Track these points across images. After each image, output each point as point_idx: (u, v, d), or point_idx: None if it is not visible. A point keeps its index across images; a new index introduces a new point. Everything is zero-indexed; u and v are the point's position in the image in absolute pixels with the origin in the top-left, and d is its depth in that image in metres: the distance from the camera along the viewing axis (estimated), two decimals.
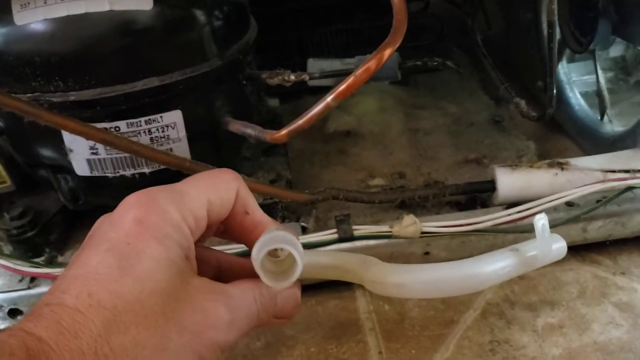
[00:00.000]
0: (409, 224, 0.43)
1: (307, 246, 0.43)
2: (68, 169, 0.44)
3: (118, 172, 0.44)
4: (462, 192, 0.50)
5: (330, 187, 0.49)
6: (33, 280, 0.44)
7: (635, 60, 0.66)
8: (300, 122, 0.42)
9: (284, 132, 0.43)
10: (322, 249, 0.44)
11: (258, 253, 0.28)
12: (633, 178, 0.44)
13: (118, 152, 0.42)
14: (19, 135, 0.44)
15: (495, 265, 0.35)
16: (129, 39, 0.41)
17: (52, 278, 0.44)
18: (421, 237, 0.44)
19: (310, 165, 0.62)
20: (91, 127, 0.40)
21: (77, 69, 0.40)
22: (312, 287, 0.45)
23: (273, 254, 0.31)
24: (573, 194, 0.43)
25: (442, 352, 0.41)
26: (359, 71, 0.40)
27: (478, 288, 0.42)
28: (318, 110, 0.41)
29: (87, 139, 0.40)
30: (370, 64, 0.40)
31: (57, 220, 0.50)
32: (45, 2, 0.39)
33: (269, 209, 0.49)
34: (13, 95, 0.38)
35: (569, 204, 0.46)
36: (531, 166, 0.47)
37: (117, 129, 0.42)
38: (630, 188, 0.44)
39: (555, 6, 0.44)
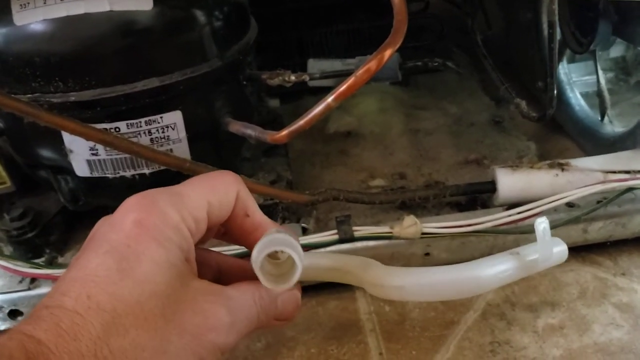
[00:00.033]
0: (410, 225, 0.43)
1: (308, 247, 0.43)
2: (68, 170, 0.44)
3: (118, 172, 0.44)
4: (463, 192, 0.50)
5: (331, 188, 0.49)
6: (33, 281, 0.44)
7: (635, 61, 0.66)
8: (300, 122, 0.42)
9: (284, 132, 0.43)
10: (322, 250, 0.44)
11: (258, 255, 0.28)
12: (633, 179, 0.44)
13: (118, 152, 0.42)
14: (19, 136, 0.44)
15: (496, 269, 0.35)
16: (129, 39, 0.40)
17: (52, 279, 0.44)
18: (422, 237, 0.44)
19: (310, 166, 0.62)
20: (91, 127, 0.40)
21: (77, 70, 0.40)
22: (312, 288, 0.45)
23: (273, 256, 0.30)
24: (573, 195, 0.43)
25: (443, 353, 0.41)
26: (360, 72, 0.40)
27: (478, 292, 0.42)
28: (319, 111, 0.41)
29: (87, 139, 0.40)
30: (371, 64, 0.40)
31: (57, 221, 0.50)
32: (44, 3, 0.39)
33: (269, 209, 0.49)
34: (13, 95, 0.38)
35: (570, 205, 0.46)
36: (532, 167, 0.47)
37: (117, 129, 0.42)
38: (630, 189, 0.44)
39: (555, 6, 0.44)
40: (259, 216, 0.32)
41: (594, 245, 0.48)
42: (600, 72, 0.57)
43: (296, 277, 0.29)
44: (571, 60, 0.64)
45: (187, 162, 0.43)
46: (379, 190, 0.57)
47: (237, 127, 0.46)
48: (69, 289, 0.25)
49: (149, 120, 0.42)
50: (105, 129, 0.41)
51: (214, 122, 0.47)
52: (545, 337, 0.42)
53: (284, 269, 0.30)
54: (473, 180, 0.53)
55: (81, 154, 0.43)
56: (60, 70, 0.40)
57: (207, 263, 0.33)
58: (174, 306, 0.26)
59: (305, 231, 0.49)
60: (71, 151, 0.43)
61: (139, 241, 0.26)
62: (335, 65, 0.63)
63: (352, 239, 0.44)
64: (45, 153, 0.44)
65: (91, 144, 0.42)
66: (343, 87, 0.40)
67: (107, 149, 0.42)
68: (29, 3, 0.39)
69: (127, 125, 0.42)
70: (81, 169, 0.44)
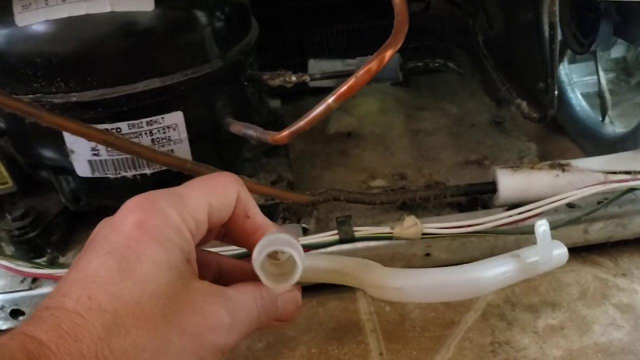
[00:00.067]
0: (410, 225, 0.43)
1: (308, 247, 0.43)
2: (69, 170, 0.44)
3: (119, 173, 0.44)
4: (463, 193, 0.50)
5: (331, 188, 0.49)
6: (35, 281, 0.44)
7: (636, 61, 0.66)
8: (301, 123, 0.42)
9: (285, 133, 0.43)
10: (322, 250, 0.44)
11: (258, 255, 0.28)
12: (634, 179, 0.44)
13: (119, 153, 0.42)
14: (20, 137, 0.44)
15: (496, 271, 0.35)
16: (130, 40, 0.41)
17: (54, 279, 0.44)
18: (422, 238, 0.44)
19: (311, 166, 0.62)
20: (92, 128, 0.40)
21: (78, 70, 0.40)
22: (312, 288, 0.45)
23: (273, 256, 0.31)
24: (574, 196, 0.43)
25: (443, 353, 0.41)
26: (360, 72, 0.40)
27: (478, 293, 0.42)
28: (319, 112, 0.41)
29: (89, 140, 0.40)
30: (372, 65, 0.40)
31: (58, 221, 0.50)
32: (46, 3, 0.39)
33: (270, 210, 0.49)
34: (14, 96, 0.38)
35: (570, 206, 0.46)
36: (532, 167, 0.47)
37: (119, 130, 0.42)
38: (631, 189, 0.44)
39: (556, 7, 0.44)
40: (259, 217, 0.32)
41: (595, 246, 0.48)
42: (601, 73, 0.57)
43: (297, 276, 0.29)
44: (572, 61, 0.64)
45: (188, 162, 0.43)
46: (380, 190, 0.57)
47: (238, 127, 0.47)
48: (70, 290, 0.25)
49: (150, 120, 0.42)
50: (107, 129, 0.41)
51: (215, 123, 0.47)
52: (546, 338, 0.42)
53: (285, 269, 0.30)
54: (474, 180, 0.53)
55: (82, 154, 0.43)
56: (61, 71, 0.40)
57: (208, 264, 0.33)
58: (175, 307, 0.26)
59: (305, 231, 0.49)
60: (72, 151, 0.43)
61: (140, 242, 0.26)
62: (336, 65, 0.63)
63: (353, 240, 0.44)
64: (47, 153, 0.44)
65: (92, 144, 0.42)
66: (344, 88, 0.40)
67: (109, 149, 0.42)
68: (30, 4, 0.39)
69: (129, 126, 0.42)
70: (82, 170, 0.44)
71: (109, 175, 0.44)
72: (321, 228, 0.51)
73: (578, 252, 0.48)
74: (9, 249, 0.48)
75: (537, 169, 0.47)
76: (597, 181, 0.45)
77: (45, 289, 0.44)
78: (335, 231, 0.44)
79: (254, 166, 0.55)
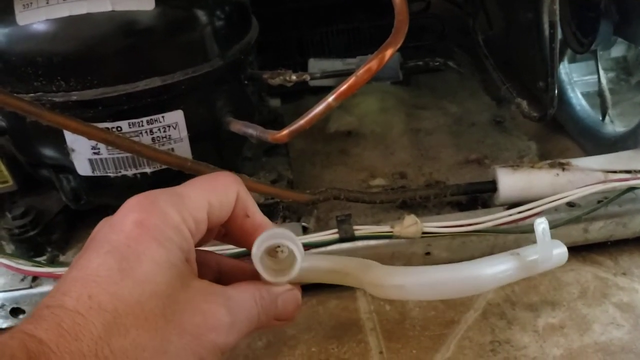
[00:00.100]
0: (410, 224, 0.43)
1: (308, 246, 0.43)
2: (70, 169, 0.45)
3: (120, 172, 0.44)
4: (464, 192, 0.51)
5: (332, 187, 0.49)
6: (35, 279, 0.44)
7: (636, 61, 0.66)
8: (301, 122, 0.42)
9: (285, 132, 0.43)
10: (322, 249, 0.44)
11: (257, 249, 0.28)
12: (634, 179, 0.44)
13: (120, 152, 0.42)
14: (21, 135, 0.44)
15: (496, 269, 0.35)
16: (131, 39, 0.41)
17: (54, 277, 0.44)
18: (422, 237, 0.44)
19: (311, 165, 0.62)
20: (93, 127, 0.40)
21: (79, 69, 0.40)
22: (312, 287, 0.45)
23: (273, 254, 0.31)
24: (574, 195, 0.43)
25: (443, 352, 0.41)
26: (361, 71, 0.40)
27: (478, 291, 0.42)
28: (319, 111, 0.41)
29: (89, 138, 0.40)
30: (372, 64, 0.40)
31: (59, 220, 0.50)
32: (47, 3, 0.39)
33: (270, 209, 0.49)
34: (15, 95, 0.38)
35: (570, 205, 0.46)
36: (532, 166, 0.47)
37: (119, 129, 0.42)
38: (631, 188, 0.44)
39: (557, 6, 0.44)
40: (259, 217, 0.32)
41: (595, 245, 0.48)
42: (601, 72, 0.57)
43: (296, 269, 0.29)
44: (572, 60, 0.63)
45: (189, 161, 0.43)
46: (380, 189, 0.57)
47: (239, 126, 0.47)
48: (70, 289, 0.25)
49: (151, 119, 0.42)
50: (107, 128, 0.41)
51: (216, 122, 0.47)
52: (546, 337, 0.42)
53: (284, 265, 0.30)
54: (474, 179, 0.53)
55: (83, 153, 0.43)
56: (62, 70, 0.40)
57: (208, 264, 0.33)
58: (174, 306, 0.26)
59: (305, 230, 0.49)
60: (73, 150, 0.43)
61: (140, 241, 0.26)
62: (336, 64, 0.63)
63: (353, 238, 0.44)
64: (47, 152, 0.44)
65: (93, 143, 0.42)
66: (344, 87, 0.40)
67: (109, 148, 0.42)
68: (31, 3, 0.39)
69: (129, 125, 0.42)
70: (83, 168, 0.44)
71: (109, 174, 0.44)
72: (321, 227, 0.51)
73: (578, 251, 0.48)
74: (9, 248, 0.48)
75: (537, 168, 0.47)
76: (597, 180, 0.45)
77: (45, 288, 0.44)
78: (335, 230, 0.44)
79: (254, 165, 0.55)
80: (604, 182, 0.45)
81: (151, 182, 0.45)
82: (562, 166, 0.47)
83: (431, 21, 0.82)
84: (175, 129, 0.44)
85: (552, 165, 0.47)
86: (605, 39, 0.53)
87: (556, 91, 0.48)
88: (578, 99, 0.62)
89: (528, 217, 0.44)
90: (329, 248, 0.44)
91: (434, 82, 0.77)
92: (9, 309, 0.44)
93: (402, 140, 0.65)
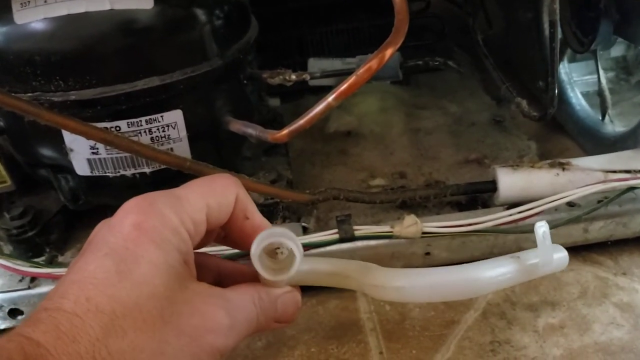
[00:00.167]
0: (410, 224, 0.43)
1: (308, 246, 0.43)
2: (68, 169, 0.44)
3: (118, 171, 0.44)
4: (463, 192, 0.50)
5: (331, 187, 0.49)
6: (33, 280, 0.44)
7: (636, 60, 0.66)
8: (301, 121, 0.42)
9: (284, 132, 0.43)
10: (322, 249, 0.44)
11: (256, 248, 0.28)
12: (634, 178, 0.44)
13: (119, 151, 0.42)
14: (19, 135, 0.44)
15: (496, 272, 0.35)
16: (130, 38, 0.40)
17: (53, 278, 0.44)
18: (422, 237, 0.44)
19: (311, 165, 0.62)
20: (92, 126, 0.40)
21: (77, 68, 0.40)
22: (312, 288, 0.44)
23: (272, 255, 0.31)
24: (574, 194, 0.43)
25: (443, 353, 0.41)
26: (361, 71, 0.40)
27: (478, 294, 0.42)
28: (319, 110, 0.41)
29: (88, 138, 0.40)
30: (372, 63, 0.40)
31: (57, 220, 0.50)
32: (45, 1, 0.39)
33: (269, 209, 0.49)
34: (13, 94, 0.38)
35: (570, 204, 0.46)
36: (532, 166, 0.47)
37: (118, 128, 0.42)
38: (631, 188, 0.44)
39: (557, 6, 0.44)
40: (258, 218, 0.32)
41: (595, 245, 0.48)
42: (601, 72, 0.57)
43: (295, 267, 0.29)
44: (572, 60, 0.63)
45: (188, 161, 0.43)
46: (380, 189, 0.57)
47: (238, 126, 0.46)
48: (68, 291, 0.25)
49: (150, 119, 0.42)
50: (106, 127, 0.41)
51: (215, 121, 0.47)
52: (546, 337, 0.42)
53: (283, 265, 0.30)
54: (474, 179, 0.53)
55: (81, 152, 0.43)
56: (60, 69, 0.40)
57: (207, 266, 0.33)
58: (172, 308, 0.26)
59: (305, 230, 0.49)
60: (71, 150, 0.43)
61: (138, 243, 0.26)
62: (336, 64, 0.63)
63: (353, 239, 0.44)
64: (46, 152, 0.44)
65: (92, 142, 0.42)
66: (344, 86, 0.40)
67: (108, 147, 0.42)
68: (29, 1, 0.39)
69: (128, 124, 0.42)
70: (81, 168, 0.44)
71: (108, 174, 0.44)
72: (321, 227, 0.51)
73: (578, 251, 0.48)
74: (7, 248, 0.48)
75: (537, 168, 0.47)
76: (597, 180, 0.45)
77: (43, 288, 0.44)
78: (335, 230, 0.44)
79: (253, 165, 0.55)
80: (604, 181, 0.45)
81: (150, 182, 0.45)
82: (562, 166, 0.47)
83: (431, 21, 0.82)
84: (174, 128, 0.43)
85: (552, 165, 0.47)
86: (605, 39, 0.53)
87: (556, 91, 0.48)
88: (578, 99, 0.62)
89: (528, 217, 0.44)
90: (329, 248, 0.44)
91: (433, 82, 0.77)
92: (7, 310, 0.44)
93: (402, 140, 0.65)
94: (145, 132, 0.43)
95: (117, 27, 0.40)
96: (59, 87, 0.40)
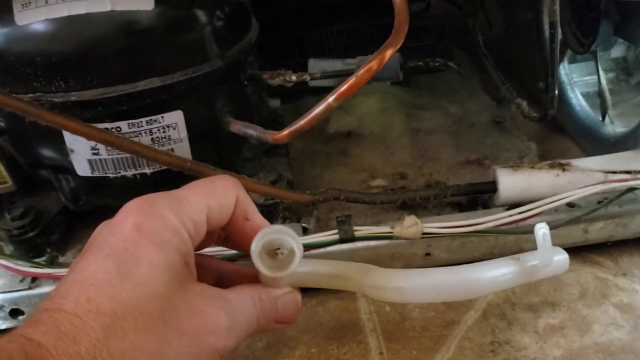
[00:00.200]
0: (410, 225, 0.43)
1: (309, 247, 0.43)
2: (69, 170, 0.44)
3: (119, 172, 0.44)
4: (464, 193, 0.50)
5: (332, 188, 0.49)
6: (34, 280, 0.44)
7: (636, 61, 0.66)
8: (301, 122, 0.42)
9: (285, 132, 0.43)
10: (322, 250, 0.44)
11: (256, 245, 0.28)
12: (634, 179, 0.44)
13: (119, 152, 0.42)
14: (20, 136, 0.44)
15: (496, 272, 0.35)
16: (131, 39, 0.40)
17: (53, 278, 0.44)
18: (422, 238, 0.44)
19: (311, 165, 0.62)
20: (92, 127, 0.40)
21: (78, 69, 0.40)
22: (312, 288, 0.45)
23: (272, 255, 0.31)
24: (574, 195, 0.43)
25: (443, 353, 0.41)
26: (361, 71, 0.40)
27: (478, 294, 0.42)
28: (319, 111, 0.41)
29: (89, 139, 0.40)
30: (372, 64, 0.40)
31: (58, 221, 0.50)
32: (46, 2, 0.39)
33: (270, 209, 0.49)
34: (14, 95, 0.38)
35: (570, 205, 0.46)
36: (532, 167, 0.47)
37: (119, 129, 0.42)
38: (631, 189, 0.44)
39: (557, 7, 0.44)
40: (258, 219, 0.32)
41: (595, 246, 0.48)
42: (601, 73, 0.57)
43: (295, 263, 0.29)
44: (572, 61, 0.64)
45: (188, 161, 0.43)
46: (380, 190, 0.57)
47: (238, 126, 0.47)
48: (69, 292, 0.25)
49: (150, 120, 0.42)
50: (107, 128, 0.41)
51: (215, 122, 0.47)
52: (546, 337, 0.42)
53: (283, 265, 0.30)
54: (474, 180, 0.53)
55: (82, 153, 0.43)
56: (61, 70, 0.40)
57: (208, 268, 0.33)
58: (173, 309, 0.26)
59: (305, 231, 0.49)
60: (72, 151, 0.43)
61: (138, 245, 0.26)
62: (336, 65, 0.63)
63: (353, 239, 0.44)
64: (47, 152, 0.44)
65: (92, 143, 0.42)
66: (344, 87, 0.40)
67: (108, 148, 0.42)
68: (30, 3, 0.39)
69: (129, 125, 0.42)
70: (82, 169, 0.44)
71: (108, 175, 0.44)
72: (321, 227, 0.51)
73: (578, 251, 0.48)
74: (8, 249, 0.48)
75: (538, 169, 0.47)
76: (597, 181, 0.45)
77: (44, 289, 0.44)
78: (336, 231, 0.44)
79: (253, 165, 0.55)
80: (604, 182, 0.45)
81: (151, 182, 0.45)
82: (562, 167, 0.47)
83: (431, 21, 0.82)
84: (174, 129, 0.44)
85: (552, 166, 0.47)
86: (605, 40, 0.53)
87: (556, 91, 0.48)
88: (578, 100, 0.62)
89: (528, 217, 0.44)
90: (329, 249, 0.44)
91: (434, 83, 0.77)
92: (8, 310, 0.44)
93: (402, 140, 0.65)
94: (145, 132, 0.43)
95: (118, 28, 0.40)
96: (60, 88, 0.40)
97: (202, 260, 0.32)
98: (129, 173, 0.44)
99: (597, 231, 0.47)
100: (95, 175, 0.44)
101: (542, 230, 0.34)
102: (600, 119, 0.58)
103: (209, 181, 0.32)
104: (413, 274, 0.35)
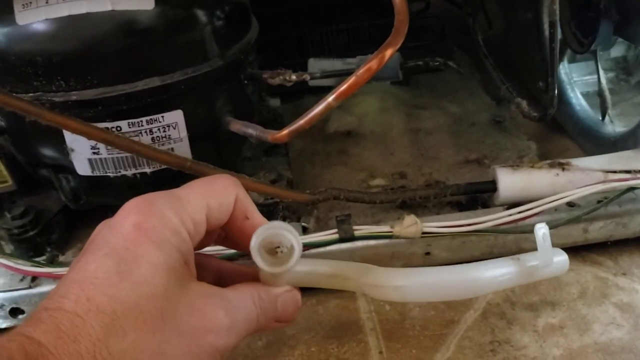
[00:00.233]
0: (410, 224, 0.43)
1: (308, 246, 0.43)
2: (69, 169, 0.44)
3: (119, 171, 0.44)
4: (463, 192, 0.50)
5: (331, 187, 0.49)
6: (34, 279, 0.44)
7: (636, 61, 0.66)
8: (301, 122, 0.42)
9: (285, 132, 0.43)
10: (322, 249, 0.44)
11: (256, 240, 0.28)
12: (634, 179, 0.44)
13: (119, 151, 0.42)
14: (20, 135, 0.44)
15: (495, 272, 0.35)
16: (131, 38, 0.40)
17: (53, 277, 0.44)
18: (422, 237, 0.44)
19: (311, 165, 0.62)
20: (93, 126, 0.40)
21: (78, 69, 0.40)
22: (312, 287, 0.45)
23: (272, 253, 0.31)
24: (574, 195, 0.43)
25: (443, 352, 0.41)
26: (361, 71, 0.40)
27: (477, 293, 0.42)
28: (319, 110, 0.41)
29: (89, 138, 0.40)
30: (372, 63, 0.40)
31: (58, 220, 0.50)
32: (47, 2, 0.39)
33: (270, 209, 0.49)
34: (15, 94, 0.38)
35: (570, 205, 0.46)
36: (532, 166, 0.47)
37: (119, 128, 0.42)
38: (631, 188, 0.44)
39: (557, 6, 0.44)
40: (258, 218, 0.32)
41: (595, 245, 0.48)
42: (601, 72, 0.57)
43: (294, 258, 0.29)
44: (572, 60, 0.64)
45: (188, 161, 0.43)
46: (380, 189, 0.57)
47: (238, 126, 0.47)
48: (69, 291, 0.25)
49: (150, 119, 0.42)
50: (107, 128, 0.41)
51: (215, 122, 0.47)
52: (546, 337, 0.42)
53: (282, 262, 0.30)
54: (474, 179, 0.53)
55: (82, 152, 0.43)
56: (62, 70, 0.40)
57: (207, 267, 0.33)
58: (173, 308, 0.26)
59: (305, 230, 0.49)
60: (72, 150, 0.43)
61: (138, 244, 0.26)
62: (336, 64, 0.63)
63: (353, 238, 0.44)
64: (47, 152, 0.44)
65: (92, 142, 0.42)
66: (344, 87, 0.40)
67: (109, 148, 0.42)
68: (31, 2, 0.39)
69: (129, 125, 0.42)
70: (82, 168, 0.44)
71: (109, 174, 0.44)
72: (321, 227, 0.51)
73: (578, 251, 0.48)
74: (8, 248, 0.48)
75: (537, 168, 0.47)
76: (597, 180, 0.45)
77: (44, 288, 0.44)
78: (335, 230, 0.44)
79: (253, 165, 0.55)
80: (604, 182, 0.45)
81: (151, 182, 0.45)
82: (562, 166, 0.47)
83: (431, 21, 0.82)
84: (174, 128, 0.44)
85: (551, 165, 0.47)
86: (605, 39, 0.53)
87: (556, 91, 0.48)
88: (578, 99, 0.62)
89: (528, 217, 0.44)
90: (329, 248, 0.44)
91: (433, 82, 0.77)
92: (8, 309, 0.44)
93: (402, 140, 0.65)
94: (146, 132, 0.43)
95: (118, 27, 0.40)
96: (60, 88, 0.40)
97: (202, 260, 0.32)
98: (129, 172, 0.44)
99: (597, 231, 0.47)
100: (95, 174, 0.44)
101: (541, 230, 0.34)
102: (600, 118, 0.58)
103: (208, 180, 0.32)
104: (412, 273, 0.35)
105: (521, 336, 0.42)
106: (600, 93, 0.57)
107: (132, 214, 0.27)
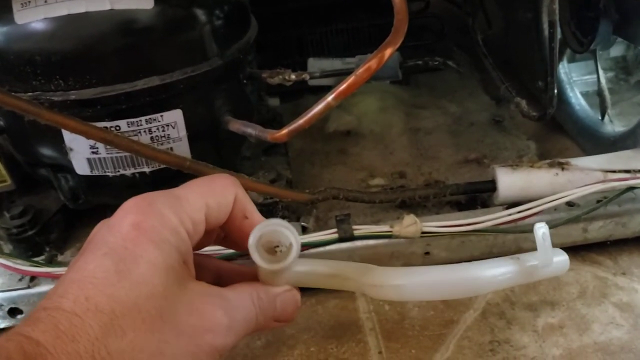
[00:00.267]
0: (410, 224, 0.43)
1: (308, 245, 0.43)
2: (68, 168, 0.44)
3: (118, 171, 0.44)
4: (463, 192, 0.50)
5: (331, 187, 0.49)
6: (33, 279, 0.44)
7: (636, 60, 0.66)
8: (300, 121, 0.42)
9: (284, 131, 0.43)
10: (321, 249, 0.44)
11: (254, 237, 0.28)
12: (634, 178, 0.44)
13: (118, 151, 0.42)
14: (19, 134, 0.44)
15: (495, 271, 0.35)
16: (130, 38, 0.40)
17: (52, 277, 0.44)
18: (421, 237, 0.44)
19: (310, 164, 0.62)
20: (91, 126, 0.40)
21: (77, 68, 0.40)
22: (311, 287, 0.45)
23: (271, 252, 0.31)
24: (574, 194, 0.43)
25: (442, 352, 0.41)
26: (360, 70, 0.40)
27: (477, 293, 0.42)
28: (319, 110, 0.41)
29: (88, 138, 0.40)
30: (371, 63, 0.40)
31: (57, 219, 0.50)
32: (45, 1, 0.39)
33: (269, 208, 0.49)
34: (13, 94, 0.38)
35: (570, 204, 0.46)
36: (532, 166, 0.47)
37: (118, 128, 0.42)
38: (630, 188, 0.44)
39: (556, 6, 0.44)
40: (257, 218, 0.32)
41: (594, 245, 0.48)
42: (600, 72, 0.57)
43: (293, 254, 0.29)
44: (571, 60, 0.63)
45: (188, 160, 0.43)
46: (379, 189, 0.57)
47: (237, 125, 0.46)
48: (67, 291, 0.25)
49: (150, 118, 0.42)
50: (106, 127, 0.41)
51: (214, 121, 0.47)
52: (545, 337, 0.42)
53: (281, 259, 0.30)
54: (473, 179, 0.53)
55: (81, 152, 0.43)
56: (61, 69, 0.40)
57: (206, 267, 0.33)
58: (171, 307, 0.26)
59: (305, 230, 0.49)
60: (71, 149, 0.43)
61: (137, 243, 0.26)
62: (335, 64, 0.63)
63: (352, 238, 0.44)
64: (46, 151, 0.44)
65: (91, 142, 0.42)
66: (343, 86, 0.40)
67: (108, 147, 0.42)
68: (30, 1, 0.39)
69: (128, 124, 0.42)
70: (81, 168, 0.44)
71: (107, 174, 0.44)
72: (320, 227, 0.51)
73: (577, 251, 0.48)
74: (7, 247, 0.48)
75: (537, 168, 0.47)
76: (596, 180, 0.45)
77: (43, 288, 0.44)
78: (335, 230, 0.44)
79: (252, 164, 0.55)
80: (603, 181, 0.45)
81: (150, 181, 0.45)
82: (562, 166, 0.47)
83: (430, 21, 0.82)
84: (174, 128, 0.44)
85: (551, 165, 0.47)
86: (604, 39, 0.53)
87: (555, 91, 0.48)
88: (577, 99, 0.62)
89: (527, 216, 0.44)
90: (328, 248, 0.44)
91: (433, 82, 0.77)
92: (6, 309, 0.44)
93: (402, 139, 0.65)
94: (145, 131, 0.43)
95: (117, 27, 0.40)
96: (59, 87, 0.40)
97: (201, 260, 0.32)
98: (128, 172, 0.44)
99: (597, 230, 0.47)
100: (94, 174, 0.44)
101: (541, 230, 0.34)
102: (600, 118, 0.58)
103: (207, 180, 0.32)
104: (412, 272, 0.35)
105: (521, 336, 0.42)
106: (599, 93, 0.57)
107: (130, 213, 0.27)
